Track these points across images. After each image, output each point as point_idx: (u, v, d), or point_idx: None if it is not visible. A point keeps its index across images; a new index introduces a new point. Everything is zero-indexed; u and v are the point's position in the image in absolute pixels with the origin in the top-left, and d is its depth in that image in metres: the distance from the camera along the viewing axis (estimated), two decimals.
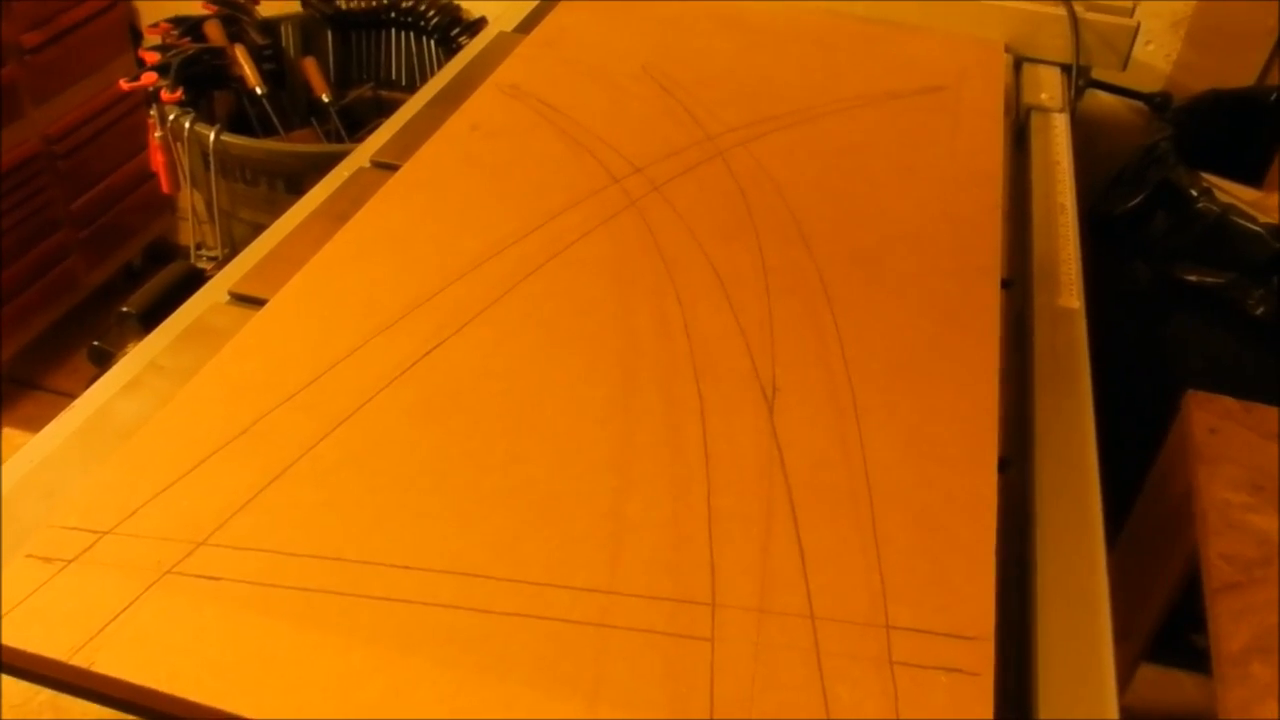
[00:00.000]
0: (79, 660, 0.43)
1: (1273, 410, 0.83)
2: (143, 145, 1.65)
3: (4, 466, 0.56)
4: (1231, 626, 0.64)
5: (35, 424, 1.51)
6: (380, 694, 0.43)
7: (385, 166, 0.83)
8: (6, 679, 0.46)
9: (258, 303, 0.66)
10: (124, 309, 0.73)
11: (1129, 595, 0.95)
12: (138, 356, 0.64)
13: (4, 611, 0.45)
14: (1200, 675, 1.18)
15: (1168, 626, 1.03)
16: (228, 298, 0.69)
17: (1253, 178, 1.22)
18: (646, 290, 0.68)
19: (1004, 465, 0.58)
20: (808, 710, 0.43)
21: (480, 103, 0.89)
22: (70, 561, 0.48)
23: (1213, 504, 0.74)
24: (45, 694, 0.46)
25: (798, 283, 0.70)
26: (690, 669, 0.45)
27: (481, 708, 0.43)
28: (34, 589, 0.46)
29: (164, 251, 1.85)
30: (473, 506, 0.52)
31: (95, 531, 0.49)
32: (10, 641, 0.44)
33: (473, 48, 1.05)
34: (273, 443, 0.55)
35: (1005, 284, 0.72)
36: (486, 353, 0.62)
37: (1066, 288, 0.73)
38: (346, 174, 0.82)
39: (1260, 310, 1.01)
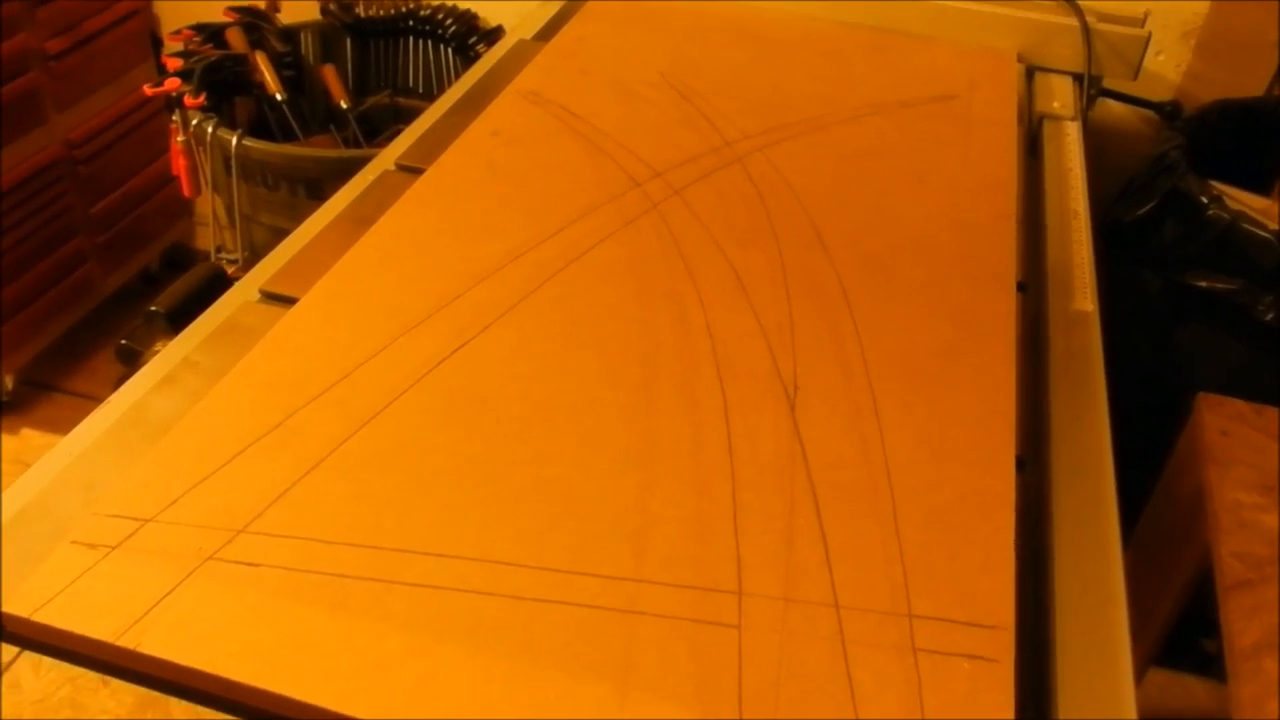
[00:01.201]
0: (126, 642, 0.45)
1: None
2: (160, 151, 1.67)
3: (45, 458, 0.57)
4: (1243, 623, 0.65)
5: (54, 425, 1.53)
6: (415, 676, 0.45)
7: (409, 170, 0.84)
8: (25, 672, 0.47)
9: (288, 301, 0.68)
10: (153, 308, 0.75)
11: (1139, 598, 0.96)
12: (171, 354, 0.65)
13: (51, 595, 0.47)
14: (1210, 680, 1.19)
15: (1177, 631, 1.04)
16: (258, 296, 0.70)
17: (1261, 187, 1.23)
18: (668, 292, 0.69)
19: (1020, 465, 0.59)
20: (833, 695, 0.44)
21: (501, 109, 0.91)
22: (114, 548, 0.49)
23: (1224, 504, 0.75)
24: (65, 690, 0.47)
25: (817, 286, 0.71)
26: (718, 655, 0.46)
27: (513, 690, 0.44)
28: (79, 574, 0.48)
29: (181, 256, 1.87)
30: (500, 501, 0.53)
31: (137, 519, 0.50)
32: (58, 623, 0.46)
33: (493, 55, 1.07)
34: (304, 438, 0.56)
35: (1020, 287, 0.74)
36: (510, 354, 0.63)
37: (1080, 291, 0.75)
38: (371, 177, 0.84)
39: (1270, 316, 1.02)
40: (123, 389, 0.63)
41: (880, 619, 0.48)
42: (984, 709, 0.44)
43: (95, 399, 0.62)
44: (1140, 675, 1.05)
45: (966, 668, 0.46)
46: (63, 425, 0.60)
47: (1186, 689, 1.18)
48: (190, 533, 0.50)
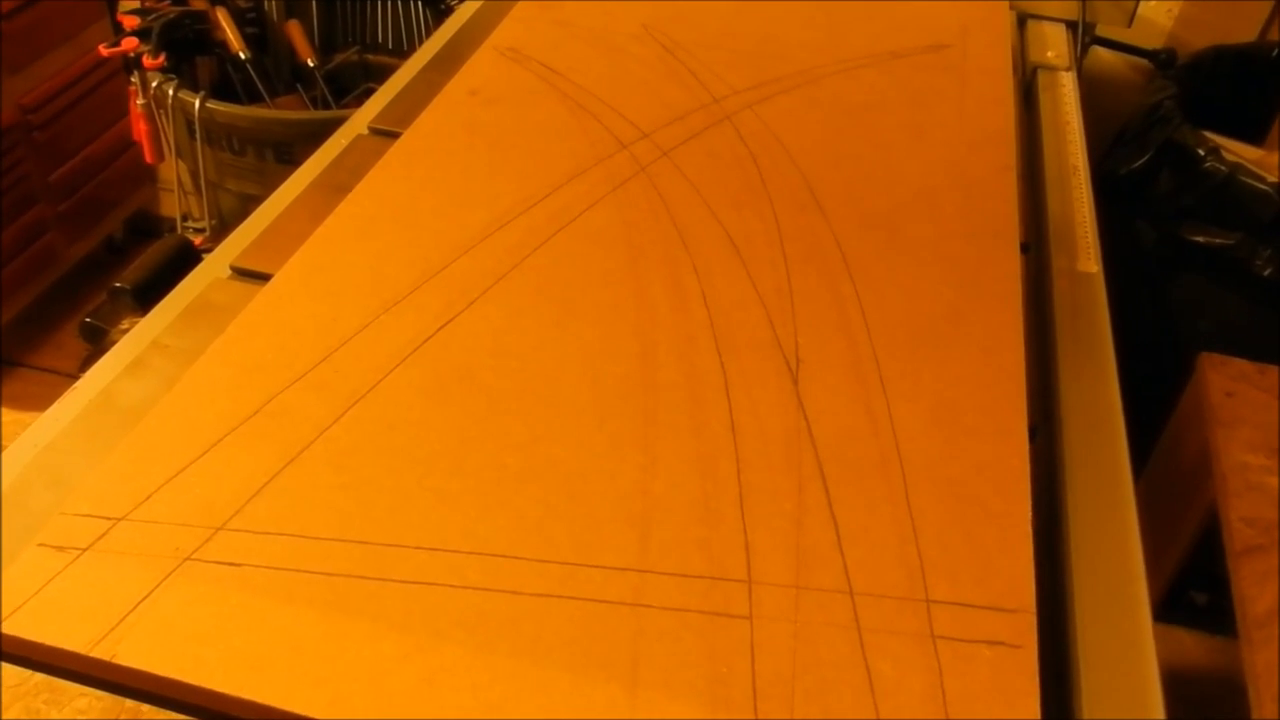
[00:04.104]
0: (100, 653, 0.42)
1: None
2: (120, 114, 1.60)
3: (7, 452, 0.54)
4: (1256, 589, 0.64)
5: (23, 402, 1.49)
6: (413, 679, 0.42)
7: (384, 134, 0.80)
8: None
9: (261, 278, 0.64)
10: (117, 284, 0.71)
11: None
12: (139, 335, 0.62)
13: (19, 604, 0.44)
14: (1200, 633, 1.19)
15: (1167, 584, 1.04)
16: (229, 273, 0.66)
17: (1254, 134, 1.21)
18: (661, 260, 0.66)
19: (1031, 434, 0.57)
20: (852, 686, 0.43)
21: (479, 67, 0.87)
22: (84, 550, 0.46)
23: (1231, 467, 0.73)
24: (40, 675, 0.45)
25: (814, 249, 0.68)
26: (730, 648, 0.44)
27: (518, 691, 0.42)
28: (48, 579, 0.45)
29: (145, 224, 1.81)
30: (495, 487, 0.51)
31: (109, 518, 0.47)
32: (26, 634, 0.43)
33: (467, 9, 1.02)
34: (286, 424, 0.53)
35: (1022, 248, 0.71)
36: (500, 328, 0.60)
37: (1084, 252, 0.72)
38: (344, 142, 0.80)
39: (1268, 271, 1.00)
40: (89, 373, 0.59)
41: (897, 605, 0.46)
42: (1007, 696, 0.43)
43: (61, 374, 0.58)
44: None
45: (988, 654, 0.44)
46: (29, 401, 0.57)
47: (1178, 642, 1.19)
48: (167, 531, 0.47)
